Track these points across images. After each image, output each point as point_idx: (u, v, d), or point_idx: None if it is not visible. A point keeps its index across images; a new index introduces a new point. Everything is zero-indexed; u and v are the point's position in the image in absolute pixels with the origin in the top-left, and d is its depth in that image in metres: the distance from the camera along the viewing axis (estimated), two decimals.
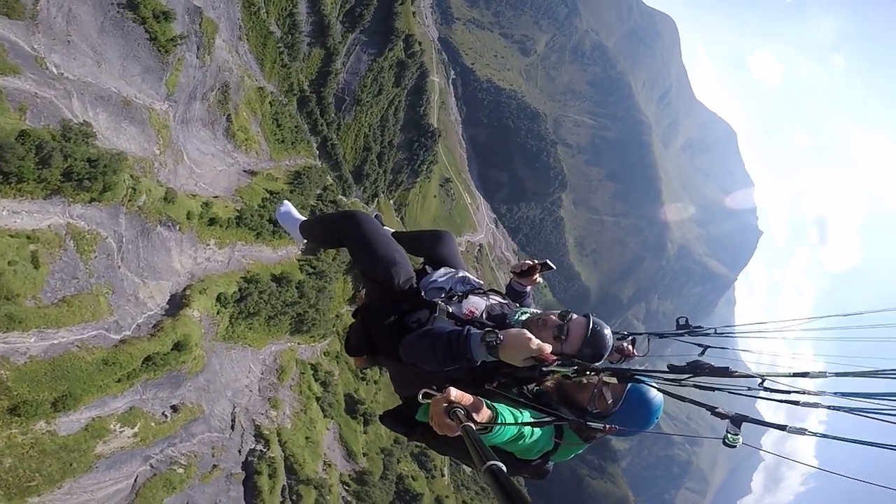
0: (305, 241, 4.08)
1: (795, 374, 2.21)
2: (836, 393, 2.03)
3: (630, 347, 3.51)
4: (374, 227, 3.39)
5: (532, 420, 2.44)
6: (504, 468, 1.31)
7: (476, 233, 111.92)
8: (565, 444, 2.68)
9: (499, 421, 2.16)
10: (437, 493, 60.17)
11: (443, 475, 63.93)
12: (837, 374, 2.13)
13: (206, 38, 36.33)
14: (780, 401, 2.13)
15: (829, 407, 2.02)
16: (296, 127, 56.48)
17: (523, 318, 2.98)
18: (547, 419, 2.51)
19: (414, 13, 74.90)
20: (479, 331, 2.58)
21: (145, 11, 30.57)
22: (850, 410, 1.98)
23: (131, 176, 27.02)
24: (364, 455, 52.66)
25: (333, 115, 63.75)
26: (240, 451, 37.73)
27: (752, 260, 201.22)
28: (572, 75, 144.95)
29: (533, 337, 2.43)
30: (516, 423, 2.29)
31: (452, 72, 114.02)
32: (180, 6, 33.78)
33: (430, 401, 1.96)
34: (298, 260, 47.72)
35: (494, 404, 2.26)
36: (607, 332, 2.81)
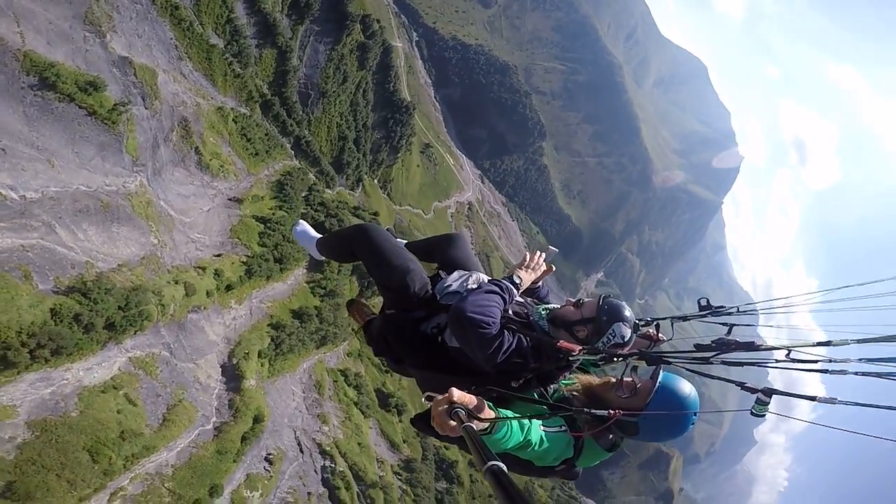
0: (323, 258, 4.20)
1: (819, 344, 2.25)
2: (860, 359, 2.05)
3: (655, 332, 3.47)
4: (385, 238, 3.46)
5: (536, 416, 2.48)
6: (505, 468, 1.31)
7: (463, 192, 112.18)
8: (587, 452, 2.68)
9: (501, 423, 2.16)
10: (469, 457, 64.68)
11: None
12: (859, 341, 2.15)
13: (147, 85, 33.84)
14: (809, 370, 2.17)
15: (856, 373, 2.05)
16: (266, 135, 55.40)
17: (544, 313, 3.16)
18: (552, 414, 2.56)
19: None
20: (506, 277, 3.22)
21: (67, 87, 26.90)
22: (878, 375, 2.00)
23: (153, 293, 29.57)
24: (404, 442, 56.20)
25: (301, 112, 62.25)
26: (315, 472, 41.87)
27: (736, 183, 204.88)
28: (536, 23, 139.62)
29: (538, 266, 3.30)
30: (517, 417, 2.32)
31: (415, 34, 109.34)
32: (104, 62, 30.41)
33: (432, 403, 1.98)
34: (307, 282, 49.71)
35: (500, 410, 2.28)
36: (623, 303, 2.96)
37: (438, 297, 3.27)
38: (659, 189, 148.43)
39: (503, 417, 2.19)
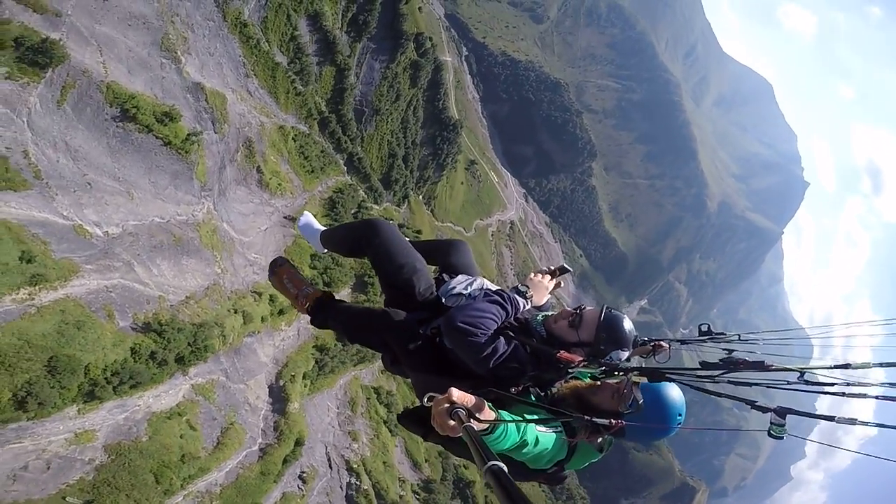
0: (326, 250, 4.12)
1: (836, 366, 2.19)
2: (883, 383, 2.00)
3: (661, 342, 3.40)
4: (395, 235, 3.40)
5: (536, 418, 2.45)
6: (505, 468, 1.31)
7: (506, 210, 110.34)
8: (579, 453, 2.69)
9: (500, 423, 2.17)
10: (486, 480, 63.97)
11: None
12: (882, 365, 2.10)
13: (218, 110, 35.09)
14: (823, 392, 2.09)
15: (876, 397, 1.99)
16: (322, 152, 56.27)
17: (542, 320, 3.15)
18: (551, 418, 2.53)
19: (420, 8, 71.39)
20: (512, 289, 3.14)
21: (146, 118, 28.24)
22: None
23: (216, 325, 31.37)
24: (426, 462, 56.21)
25: (355, 129, 62.91)
26: (341, 488, 42.83)
27: (800, 210, 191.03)
28: (590, 39, 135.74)
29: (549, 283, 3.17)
30: (520, 420, 2.30)
31: (464, 48, 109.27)
32: (178, 88, 31.58)
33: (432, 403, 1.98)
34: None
35: (499, 412, 2.28)
36: (624, 317, 2.88)
37: (443, 300, 3.25)
38: (714, 215, 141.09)
39: (504, 420, 2.19)
